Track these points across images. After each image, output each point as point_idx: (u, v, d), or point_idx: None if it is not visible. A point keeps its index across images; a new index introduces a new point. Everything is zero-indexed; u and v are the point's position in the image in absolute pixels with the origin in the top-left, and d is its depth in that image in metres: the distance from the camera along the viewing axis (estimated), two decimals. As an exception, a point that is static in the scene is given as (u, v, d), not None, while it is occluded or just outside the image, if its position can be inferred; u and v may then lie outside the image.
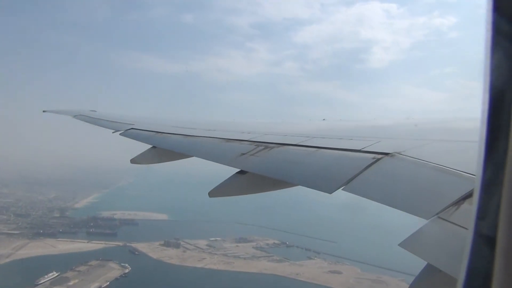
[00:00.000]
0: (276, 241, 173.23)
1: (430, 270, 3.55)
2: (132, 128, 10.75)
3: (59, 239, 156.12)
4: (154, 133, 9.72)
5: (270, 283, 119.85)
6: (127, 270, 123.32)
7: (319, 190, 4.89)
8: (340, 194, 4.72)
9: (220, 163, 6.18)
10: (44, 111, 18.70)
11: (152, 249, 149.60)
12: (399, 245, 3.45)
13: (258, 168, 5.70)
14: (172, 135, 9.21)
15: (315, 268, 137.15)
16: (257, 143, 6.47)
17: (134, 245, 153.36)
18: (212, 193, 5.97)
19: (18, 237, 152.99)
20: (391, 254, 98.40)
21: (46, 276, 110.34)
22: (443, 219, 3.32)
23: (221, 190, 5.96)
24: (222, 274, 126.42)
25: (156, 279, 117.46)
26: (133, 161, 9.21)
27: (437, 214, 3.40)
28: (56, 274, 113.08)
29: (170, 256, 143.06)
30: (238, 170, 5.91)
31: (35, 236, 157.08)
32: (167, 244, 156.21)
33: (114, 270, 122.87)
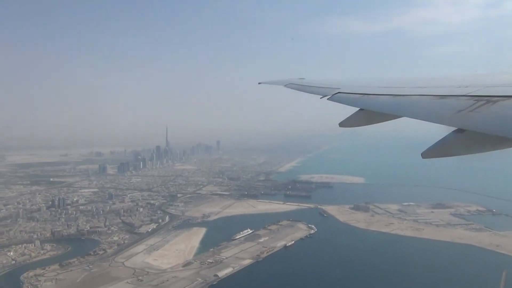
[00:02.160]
0: (481, 208, 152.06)
1: None
2: (339, 92, 10.84)
3: (259, 200, 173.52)
4: (361, 95, 9.73)
5: (461, 253, 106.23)
6: (312, 231, 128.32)
7: None
8: None
9: (434, 122, 5.76)
10: (259, 83, 21.39)
11: (341, 212, 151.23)
12: None
13: (479, 126, 5.10)
14: (380, 96, 9.12)
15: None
16: (477, 98, 5.84)
17: (324, 207, 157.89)
18: (426, 154, 5.72)
19: (227, 198, 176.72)
20: None
21: (241, 232, 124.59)
22: None
23: (436, 150, 5.69)
24: (408, 240, 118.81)
25: (338, 241, 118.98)
26: (341, 124, 9.47)
27: None
28: (251, 231, 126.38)
29: (357, 219, 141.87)
30: (455, 129, 5.58)
31: (241, 197, 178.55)
32: (356, 208, 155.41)
33: (301, 231, 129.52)
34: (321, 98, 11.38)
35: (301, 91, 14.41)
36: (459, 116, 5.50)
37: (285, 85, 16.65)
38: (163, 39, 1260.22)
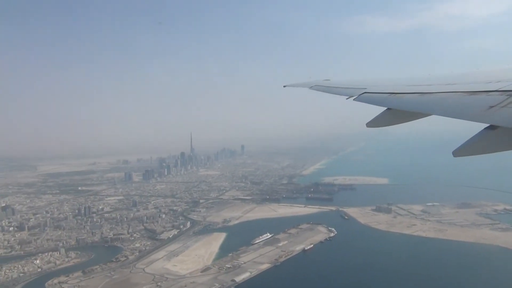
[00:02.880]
0: (508, 207, 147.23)
1: None
2: (365, 93, 10.83)
3: (281, 204, 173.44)
4: (388, 94, 9.64)
5: (485, 254, 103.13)
6: (332, 234, 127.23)
7: None
8: None
9: (464, 119, 5.68)
10: (284, 86, 21.59)
11: (362, 214, 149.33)
12: None
13: None
14: (407, 94, 9.00)
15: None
16: (510, 93, 5.80)
17: (346, 209, 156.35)
18: (457, 152, 5.57)
19: (249, 202, 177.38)
20: None
21: (261, 236, 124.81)
22: None
23: (468, 148, 5.50)
24: (430, 242, 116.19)
25: (357, 244, 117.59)
26: (368, 124, 9.43)
27: None
28: (270, 236, 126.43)
29: (379, 221, 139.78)
30: (487, 125, 5.39)
31: (263, 201, 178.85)
32: (378, 209, 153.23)
33: (321, 234, 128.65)
34: (347, 99, 11.38)
35: (327, 92, 14.47)
36: (491, 112, 5.39)
37: (311, 87, 16.73)
38: (187, 45, 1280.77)
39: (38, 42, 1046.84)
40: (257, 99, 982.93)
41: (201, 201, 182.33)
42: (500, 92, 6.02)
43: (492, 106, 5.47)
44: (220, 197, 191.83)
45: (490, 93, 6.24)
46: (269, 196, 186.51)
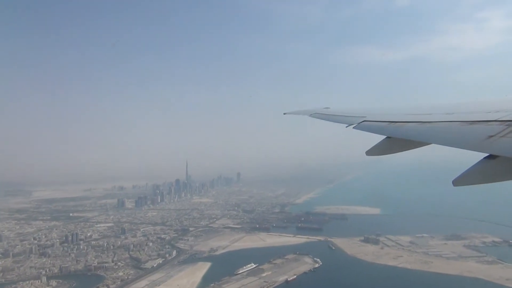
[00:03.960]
0: (497, 239, 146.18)
1: None
2: (364, 121, 10.83)
3: (270, 233, 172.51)
4: (388, 123, 9.62)
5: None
6: (317, 265, 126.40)
7: None
8: None
9: (463, 149, 5.67)
10: (284, 114, 21.67)
11: (350, 245, 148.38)
12: None
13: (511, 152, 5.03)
14: (407, 123, 8.94)
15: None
16: (508, 123, 5.83)
17: (334, 240, 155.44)
18: (457, 182, 5.55)
19: (238, 231, 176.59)
20: None
21: (245, 266, 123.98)
22: None
23: (467, 177, 5.50)
24: (414, 274, 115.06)
25: (341, 275, 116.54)
26: (368, 153, 9.41)
27: None
28: (254, 266, 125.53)
29: (366, 252, 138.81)
30: (486, 155, 5.44)
31: (252, 230, 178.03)
32: (366, 240, 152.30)
33: (306, 264, 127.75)
34: (346, 127, 11.35)
35: (327, 120, 14.56)
36: (490, 141, 5.42)
37: (310, 115, 16.88)
38: (184, 71, 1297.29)
39: (30, 65, 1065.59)
40: (255, 127, 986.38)
41: (190, 229, 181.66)
42: (499, 122, 6.07)
43: (491, 136, 5.53)
44: (210, 225, 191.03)
45: (489, 122, 6.28)
46: (259, 225, 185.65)
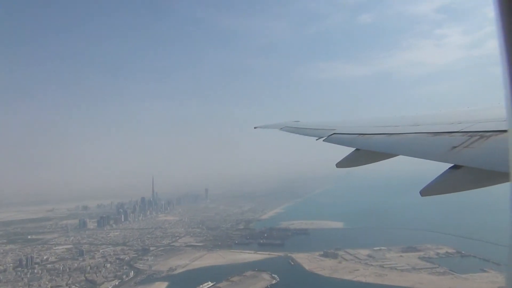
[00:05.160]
0: (450, 250, 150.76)
1: None
2: (334, 133, 10.98)
3: (232, 250, 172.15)
4: (356, 135, 9.80)
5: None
6: (274, 281, 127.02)
7: None
8: None
9: (429, 159, 5.84)
10: (255, 128, 21.68)
11: (309, 260, 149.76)
12: None
13: (474, 161, 5.19)
14: (375, 135, 9.20)
15: (483, 283, 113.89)
16: (471, 133, 5.97)
17: (295, 255, 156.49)
18: (424, 192, 5.69)
19: (199, 249, 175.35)
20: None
21: (201, 285, 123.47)
22: None
23: (434, 187, 5.61)
24: (367, 287, 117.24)
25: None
26: (338, 165, 9.52)
27: None
28: (211, 284, 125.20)
29: (324, 267, 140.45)
30: (451, 165, 5.56)
31: (214, 247, 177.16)
32: (325, 255, 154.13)
33: (263, 281, 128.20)
34: (317, 139, 11.42)
35: (297, 133, 14.61)
36: (454, 152, 5.62)
37: (281, 129, 16.94)
38: (150, 86, 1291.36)
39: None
40: (224, 142, 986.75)
41: (151, 248, 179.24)
42: (462, 133, 6.24)
43: (455, 147, 5.72)
44: (172, 244, 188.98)
45: (453, 134, 6.45)
46: (221, 243, 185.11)
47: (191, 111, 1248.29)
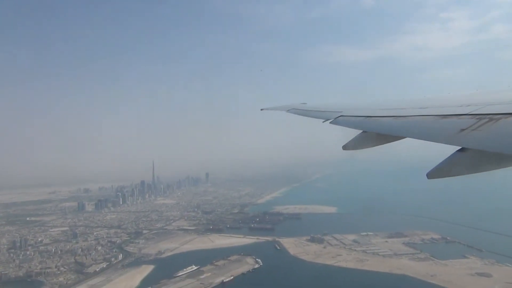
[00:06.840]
0: (436, 236, 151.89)
1: None
2: (341, 116, 10.97)
3: (221, 234, 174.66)
4: (363, 117, 9.79)
5: (392, 284, 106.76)
6: (257, 266, 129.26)
7: None
8: None
9: (436, 142, 5.80)
10: (261, 109, 21.80)
11: (295, 245, 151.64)
12: None
13: (482, 144, 5.16)
14: (382, 117, 9.22)
15: (461, 268, 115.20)
16: (479, 116, 5.93)
17: (282, 240, 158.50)
18: (431, 175, 5.68)
19: (190, 233, 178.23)
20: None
21: (185, 269, 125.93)
22: None
23: (441, 170, 5.62)
24: (346, 272, 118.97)
25: (277, 276, 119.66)
26: (344, 147, 9.46)
27: None
28: (196, 268, 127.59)
29: (308, 252, 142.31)
30: (458, 148, 5.58)
31: (205, 232, 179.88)
32: (312, 240, 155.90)
33: (247, 265, 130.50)
34: (323, 122, 11.42)
35: (304, 115, 14.60)
36: (462, 135, 5.55)
37: (287, 111, 16.84)
38: (153, 69, 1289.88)
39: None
40: (229, 125, 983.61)
41: (144, 231, 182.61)
42: (470, 116, 6.20)
43: (463, 129, 5.67)
44: (166, 227, 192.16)
45: (461, 116, 6.43)
46: (213, 227, 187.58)
47: (195, 95, 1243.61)
